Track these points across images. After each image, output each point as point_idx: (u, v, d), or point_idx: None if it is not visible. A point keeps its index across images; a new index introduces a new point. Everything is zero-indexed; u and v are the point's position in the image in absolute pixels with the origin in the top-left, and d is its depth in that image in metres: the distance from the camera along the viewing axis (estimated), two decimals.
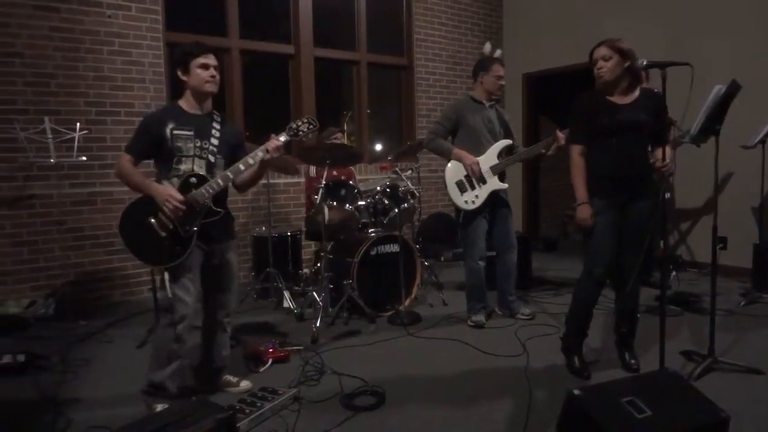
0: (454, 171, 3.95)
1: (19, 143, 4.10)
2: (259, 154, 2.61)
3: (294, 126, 2.71)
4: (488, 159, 3.89)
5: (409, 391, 2.91)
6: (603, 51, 2.88)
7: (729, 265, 5.11)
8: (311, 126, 2.72)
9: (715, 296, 3.12)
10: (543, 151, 3.78)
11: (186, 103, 2.67)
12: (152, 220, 2.53)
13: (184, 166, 2.59)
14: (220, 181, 2.58)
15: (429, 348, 3.59)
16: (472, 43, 7.08)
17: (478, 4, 7.12)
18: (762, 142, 4.57)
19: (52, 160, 4.03)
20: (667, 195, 2.90)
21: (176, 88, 2.96)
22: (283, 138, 2.66)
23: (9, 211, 4.31)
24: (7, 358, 3.23)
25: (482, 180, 3.88)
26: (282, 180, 5.55)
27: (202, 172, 2.61)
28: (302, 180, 5.40)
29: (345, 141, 5.47)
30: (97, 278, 4.65)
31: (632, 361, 3.08)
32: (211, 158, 2.65)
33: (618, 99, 2.92)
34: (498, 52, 4.23)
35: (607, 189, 2.93)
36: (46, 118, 4.06)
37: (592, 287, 3.03)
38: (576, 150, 3.01)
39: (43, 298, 4.32)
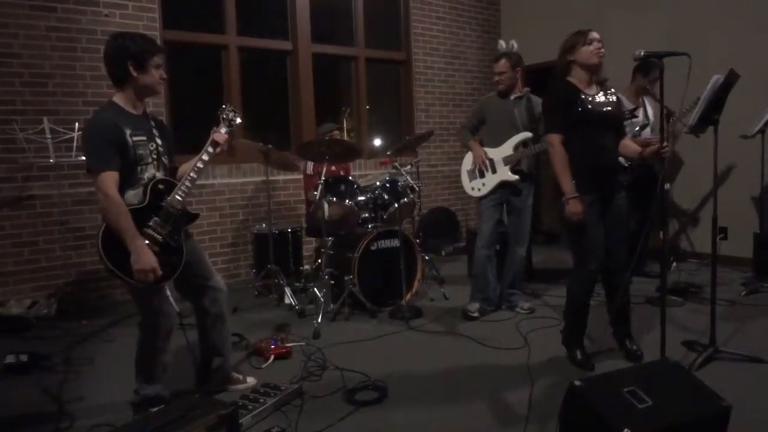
0: (468, 160, 4.14)
1: (18, 144, 4.11)
2: (210, 149, 2.60)
3: (225, 117, 2.71)
4: (502, 151, 3.96)
5: (411, 385, 2.92)
6: None
7: (729, 255, 5.11)
8: (234, 112, 2.74)
9: (716, 286, 3.13)
10: None
11: (126, 102, 2.46)
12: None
13: (148, 174, 2.46)
14: (188, 183, 2.51)
15: (431, 342, 3.60)
16: (470, 36, 7.06)
17: None
18: (761, 131, 4.56)
19: (51, 160, 4.03)
20: (667, 186, 2.89)
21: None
22: (224, 130, 2.67)
23: (9, 211, 4.30)
24: (10, 359, 3.24)
25: (493, 170, 3.97)
26: (281, 176, 5.55)
27: (164, 176, 2.54)
28: (301, 176, 5.40)
29: (345, 137, 5.47)
30: (99, 277, 4.65)
31: (634, 348, 3.08)
32: (165, 160, 2.57)
33: (585, 89, 2.95)
34: (501, 44, 4.20)
35: (592, 182, 2.90)
36: (45, 119, 4.06)
37: (587, 283, 3.03)
38: (558, 139, 2.92)
39: (44, 298, 4.33)
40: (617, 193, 3.00)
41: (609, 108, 2.96)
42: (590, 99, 2.93)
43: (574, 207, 2.88)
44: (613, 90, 3.07)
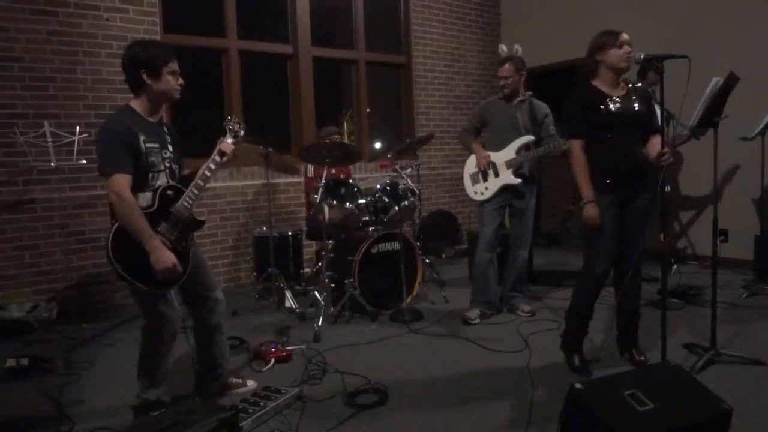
0: (471, 163, 4.12)
1: (18, 147, 4.11)
2: (217, 158, 2.59)
3: (231, 128, 2.69)
4: (505, 154, 3.95)
5: (411, 389, 2.91)
6: None
7: (730, 257, 5.10)
8: (239, 124, 2.73)
9: (717, 288, 3.12)
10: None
11: (142, 109, 2.47)
12: None
13: (159, 181, 2.46)
14: (195, 190, 2.50)
15: (431, 345, 3.59)
16: (470, 40, 7.08)
17: (477, 0, 7.12)
18: (761, 133, 4.56)
19: (52, 164, 4.03)
20: (668, 189, 2.87)
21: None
22: (230, 140, 2.66)
23: (10, 215, 4.31)
24: (11, 362, 3.24)
25: (496, 174, 3.96)
26: (282, 180, 5.55)
27: (173, 183, 2.54)
28: (302, 179, 5.41)
29: (345, 140, 5.47)
30: (100, 281, 4.66)
31: (641, 358, 3.04)
32: (175, 168, 2.57)
33: (611, 91, 2.90)
34: (503, 49, 4.19)
35: (611, 184, 2.87)
36: (46, 122, 4.06)
37: (594, 286, 2.99)
38: (578, 144, 2.92)
39: (45, 301, 4.33)
40: (641, 195, 2.93)
41: (636, 107, 2.87)
42: (617, 101, 2.86)
43: (589, 212, 2.86)
44: (640, 84, 3.00)
